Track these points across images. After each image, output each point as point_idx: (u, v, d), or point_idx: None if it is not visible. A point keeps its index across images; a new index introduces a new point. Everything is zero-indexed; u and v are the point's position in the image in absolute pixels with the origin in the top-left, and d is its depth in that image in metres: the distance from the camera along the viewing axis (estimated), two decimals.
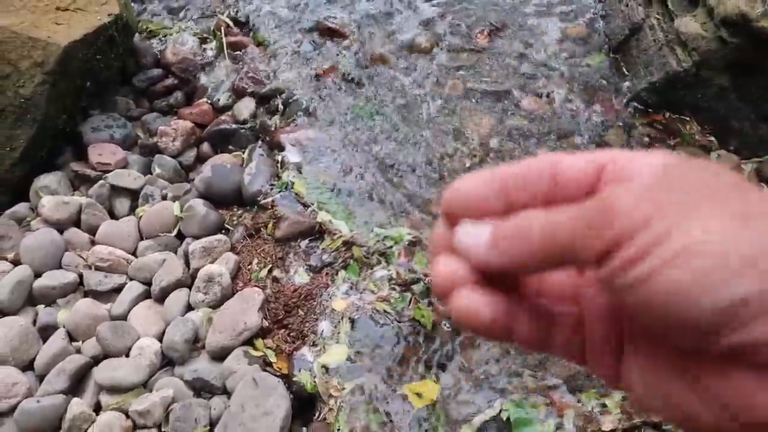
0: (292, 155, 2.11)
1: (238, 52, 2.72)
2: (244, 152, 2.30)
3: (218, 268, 1.72)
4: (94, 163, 2.10)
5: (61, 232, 1.92)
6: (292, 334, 1.61)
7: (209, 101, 2.50)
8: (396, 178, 2.03)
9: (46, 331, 1.69)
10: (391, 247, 1.74)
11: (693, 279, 0.26)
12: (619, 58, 2.53)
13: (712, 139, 2.15)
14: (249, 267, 1.78)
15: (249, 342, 1.60)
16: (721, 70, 2.10)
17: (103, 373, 1.55)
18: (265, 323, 1.62)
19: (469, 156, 2.10)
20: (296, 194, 1.94)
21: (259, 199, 1.97)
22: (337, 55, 2.64)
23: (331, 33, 2.78)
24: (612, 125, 2.23)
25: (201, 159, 2.33)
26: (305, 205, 1.90)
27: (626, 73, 2.45)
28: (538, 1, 2.92)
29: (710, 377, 0.29)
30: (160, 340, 1.65)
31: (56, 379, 1.53)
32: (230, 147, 2.33)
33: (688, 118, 2.20)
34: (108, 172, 2.10)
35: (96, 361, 1.62)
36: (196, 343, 1.64)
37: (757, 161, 2.05)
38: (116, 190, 2.05)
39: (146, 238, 1.98)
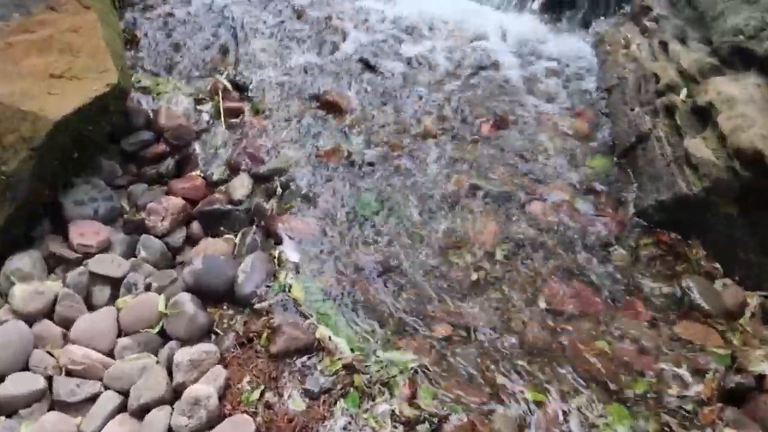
0: (290, 251, 2.00)
1: (234, 120, 2.60)
2: (236, 236, 2.17)
3: (206, 389, 1.58)
4: (75, 244, 1.94)
5: (30, 324, 1.75)
6: None
7: (202, 174, 2.37)
8: (400, 288, 1.93)
9: None
10: (395, 376, 1.63)
11: None
12: (624, 165, 2.52)
13: (718, 266, 2.12)
14: (239, 386, 1.64)
15: None
16: (731, 199, 2.08)
17: None
18: None
19: (475, 267, 2.02)
20: (294, 300, 1.82)
21: (253, 301, 1.84)
22: (340, 134, 2.55)
23: (332, 107, 2.69)
24: (618, 241, 2.18)
25: (191, 240, 2.19)
26: (303, 315, 1.78)
27: (632, 181, 2.43)
28: (542, 91, 2.91)
29: None
30: None
31: None
32: (222, 228, 2.20)
33: (693, 242, 2.17)
34: (89, 254, 1.95)
35: None
36: None
37: (762, 296, 2.02)
38: (96, 278, 1.90)
39: (126, 334, 1.82)
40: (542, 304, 1.93)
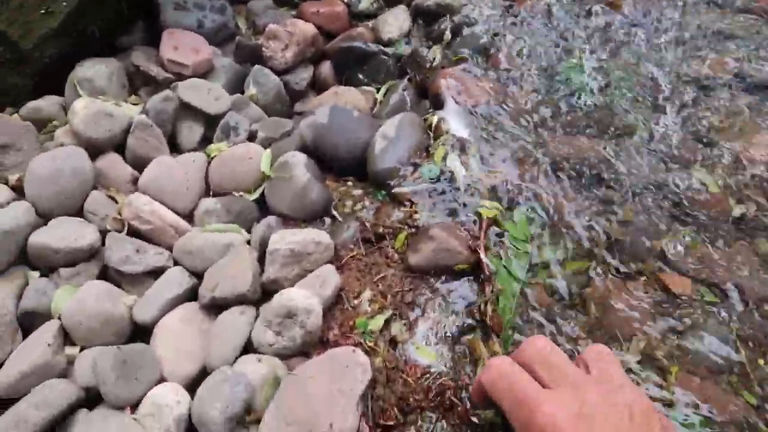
0: (453, 122, 1.35)
1: None
2: (379, 90, 1.56)
3: (306, 300, 1.03)
4: (165, 59, 1.42)
5: (94, 156, 1.28)
6: None
7: None
8: (610, 203, 1.24)
9: (30, 319, 1.09)
10: None
11: None
12: None
13: None
14: (355, 302, 1.09)
15: None
16: None
17: None
18: (363, 427, 0.95)
19: (738, 196, 1.26)
20: (456, 192, 1.20)
21: (392, 183, 1.24)
22: None
23: None
24: None
25: (317, 85, 1.62)
26: (464, 220, 1.16)
27: None
28: None
29: None
30: (192, 389, 1.01)
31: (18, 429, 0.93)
32: (361, 76, 1.60)
33: None
34: (182, 77, 1.42)
35: (88, 394, 1.02)
36: (247, 414, 0.99)
37: None
38: (187, 110, 1.38)
39: (213, 195, 1.32)
40: None
